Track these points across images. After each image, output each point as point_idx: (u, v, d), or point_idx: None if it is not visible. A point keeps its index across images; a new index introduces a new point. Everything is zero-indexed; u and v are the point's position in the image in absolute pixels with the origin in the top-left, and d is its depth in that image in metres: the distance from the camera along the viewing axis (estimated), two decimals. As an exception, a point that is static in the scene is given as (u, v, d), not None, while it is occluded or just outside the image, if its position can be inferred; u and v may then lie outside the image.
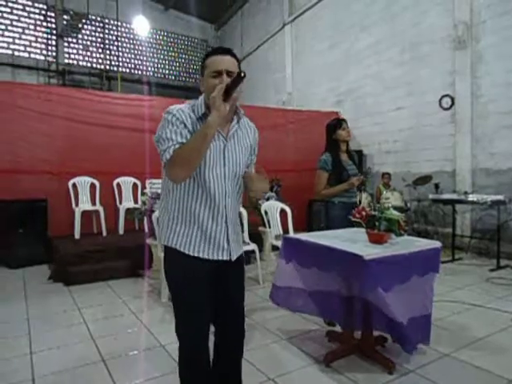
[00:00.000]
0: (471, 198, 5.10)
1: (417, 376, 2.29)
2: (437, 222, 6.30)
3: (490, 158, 5.69)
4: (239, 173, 1.60)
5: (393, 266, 2.13)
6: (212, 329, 1.66)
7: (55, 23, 11.30)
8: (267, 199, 5.41)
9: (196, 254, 1.55)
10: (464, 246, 5.82)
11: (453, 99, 6.13)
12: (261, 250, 4.49)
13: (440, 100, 6.30)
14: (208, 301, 1.60)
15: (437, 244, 2.46)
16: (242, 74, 1.40)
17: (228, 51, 1.54)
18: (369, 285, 2.04)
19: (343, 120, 3.42)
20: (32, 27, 11.06)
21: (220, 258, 1.59)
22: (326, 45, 8.82)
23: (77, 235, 5.30)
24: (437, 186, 5.97)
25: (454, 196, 5.40)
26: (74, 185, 5.56)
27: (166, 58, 13.51)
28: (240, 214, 1.75)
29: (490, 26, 5.63)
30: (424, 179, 6.12)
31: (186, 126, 1.49)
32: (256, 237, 4.65)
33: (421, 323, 2.42)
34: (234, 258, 1.62)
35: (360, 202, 3.50)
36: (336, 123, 3.39)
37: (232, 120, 1.59)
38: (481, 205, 5.09)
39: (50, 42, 11.30)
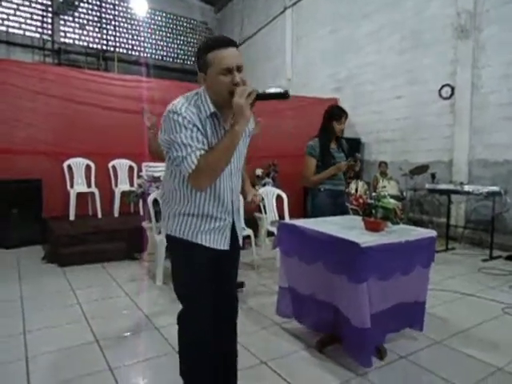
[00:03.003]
0: (467, 188, 5.11)
1: (408, 362, 2.32)
2: (432, 212, 6.33)
3: (488, 149, 5.69)
4: (241, 165, 1.67)
5: (390, 254, 2.13)
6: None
7: (51, 0, 11.02)
8: (264, 185, 5.41)
9: (205, 244, 1.57)
10: (458, 236, 5.87)
11: (453, 89, 6.09)
12: (256, 236, 4.49)
13: (440, 89, 6.25)
14: (210, 292, 1.63)
15: (433, 233, 2.46)
16: (287, 95, 1.40)
17: (231, 42, 1.44)
18: (363, 273, 2.04)
19: (344, 113, 3.27)
20: (27, 4, 10.78)
21: (226, 247, 1.64)
22: (327, 30, 8.69)
23: (72, 217, 5.27)
24: (433, 175, 5.98)
25: (450, 186, 5.41)
26: (70, 166, 5.51)
27: (165, 39, 13.26)
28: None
29: (494, 16, 5.55)
30: (421, 169, 6.12)
31: (198, 128, 1.43)
32: (251, 222, 4.65)
33: (412, 309, 2.44)
34: (239, 243, 1.74)
35: (357, 190, 3.51)
36: (335, 113, 3.26)
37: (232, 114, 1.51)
38: (476, 196, 5.10)
39: (45, 19, 11.03)
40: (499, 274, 4.21)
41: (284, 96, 1.41)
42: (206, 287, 1.59)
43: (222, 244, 1.62)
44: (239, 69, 1.43)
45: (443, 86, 6.21)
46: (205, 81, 1.48)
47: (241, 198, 1.81)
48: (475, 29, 5.78)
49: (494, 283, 3.88)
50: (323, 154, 3.23)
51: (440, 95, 6.27)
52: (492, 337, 2.68)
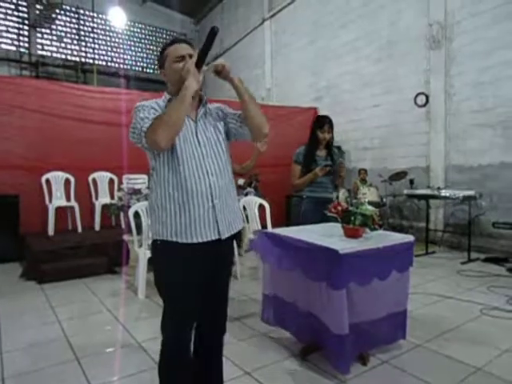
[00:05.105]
0: (444, 193, 5.25)
1: (390, 366, 2.35)
2: (411, 217, 6.45)
3: (462, 154, 5.86)
4: (220, 150, 1.63)
5: (368, 260, 2.16)
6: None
7: (27, 12, 10.92)
8: (246, 194, 5.42)
9: (181, 240, 1.53)
10: (437, 239, 5.99)
11: (427, 97, 6.26)
12: (239, 246, 4.49)
13: (415, 98, 6.43)
14: (195, 295, 1.59)
15: (410, 238, 2.51)
16: (216, 29, 1.45)
17: (184, 40, 1.65)
18: (342, 279, 2.07)
19: (328, 122, 3.32)
20: (2, 16, 10.65)
21: (206, 239, 1.55)
22: (305, 41, 8.86)
23: (51, 232, 5.17)
24: (412, 181, 6.12)
25: (428, 191, 5.54)
26: (48, 180, 5.41)
27: (144, 50, 13.27)
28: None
29: (464, 27, 5.77)
30: (399, 175, 6.25)
31: (156, 110, 1.53)
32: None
33: (399, 319, 2.48)
34: (223, 236, 1.59)
35: (337, 197, 3.53)
36: (319, 122, 3.35)
37: (198, 106, 1.65)
38: (453, 200, 5.24)
39: (21, 32, 10.91)
40: (477, 275, 4.32)
41: (214, 33, 1.47)
42: (177, 285, 1.55)
43: (201, 235, 1.54)
44: (191, 57, 1.55)
45: (418, 95, 6.39)
46: (165, 76, 1.64)
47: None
48: (446, 39, 5.98)
49: (472, 285, 3.97)
50: (306, 160, 3.30)
51: (415, 103, 6.44)
52: (471, 338, 2.74)
